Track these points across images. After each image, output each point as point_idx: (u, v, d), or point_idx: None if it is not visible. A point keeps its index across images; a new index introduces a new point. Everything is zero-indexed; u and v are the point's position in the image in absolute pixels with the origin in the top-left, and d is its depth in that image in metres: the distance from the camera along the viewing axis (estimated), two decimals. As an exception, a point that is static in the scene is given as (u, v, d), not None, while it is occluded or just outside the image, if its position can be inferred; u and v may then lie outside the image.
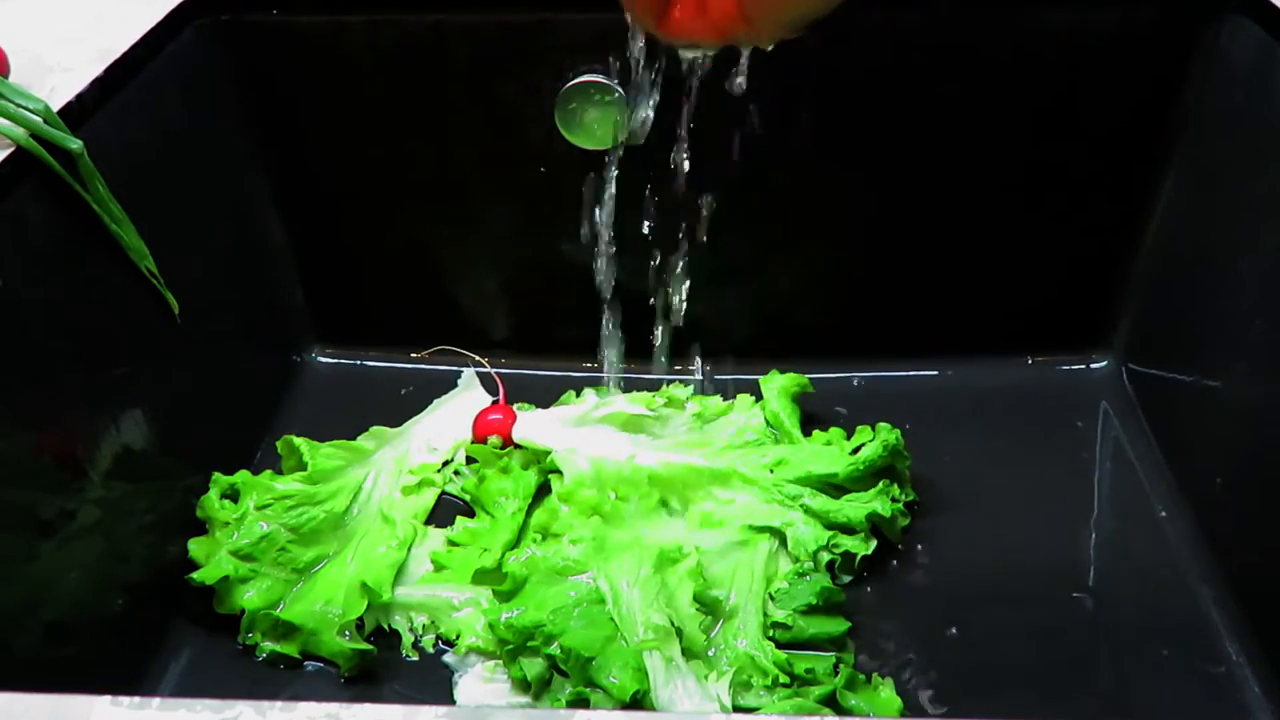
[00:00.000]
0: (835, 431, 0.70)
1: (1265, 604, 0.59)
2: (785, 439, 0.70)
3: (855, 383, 0.78)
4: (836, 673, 0.57)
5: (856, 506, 0.64)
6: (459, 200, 0.76)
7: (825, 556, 0.63)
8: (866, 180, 0.73)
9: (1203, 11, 0.65)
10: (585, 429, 0.71)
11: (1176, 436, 0.70)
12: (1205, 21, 0.65)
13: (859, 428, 0.70)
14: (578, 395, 0.76)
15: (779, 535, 0.64)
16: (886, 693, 0.57)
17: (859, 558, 0.63)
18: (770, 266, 0.77)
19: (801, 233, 0.75)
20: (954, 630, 0.61)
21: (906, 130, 0.71)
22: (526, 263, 0.79)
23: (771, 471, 0.67)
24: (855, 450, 0.68)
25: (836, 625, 0.59)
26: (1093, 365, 0.78)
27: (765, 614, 0.60)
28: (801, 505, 0.65)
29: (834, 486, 0.66)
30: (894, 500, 0.65)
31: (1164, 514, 0.67)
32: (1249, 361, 0.61)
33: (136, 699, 0.33)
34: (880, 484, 0.65)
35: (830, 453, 0.68)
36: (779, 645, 0.59)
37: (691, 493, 0.67)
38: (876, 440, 0.67)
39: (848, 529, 0.64)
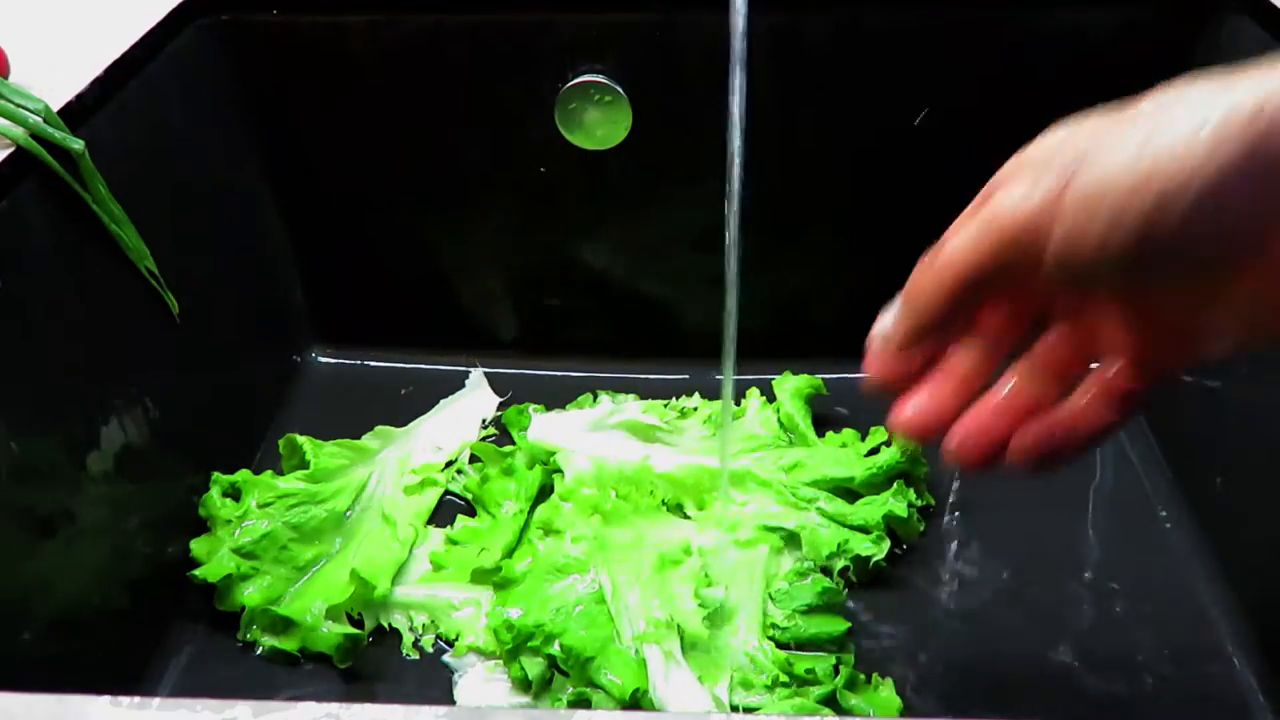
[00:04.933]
0: (849, 433, 0.70)
1: (1265, 604, 0.58)
2: (800, 441, 0.70)
3: (857, 383, 0.78)
4: (836, 673, 0.57)
5: (873, 509, 0.64)
6: (459, 200, 0.76)
7: (839, 563, 0.62)
8: (866, 181, 0.73)
9: (1203, 11, 0.65)
10: (600, 434, 0.71)
11: (1176, 436, 0.70)
12: (1205, 22, 0.65)
13: (873, 429, 0.70)
14: (595, 399, 0.76)
15: (785, 536, 0.64)
16: (886, 693, 0.57)
17: (872, 561, 0.63)
18: (773, 268, 0.77)
19: (805, 234, 0.75)
20: (954, 630, 0.61)
21: (908, 131, 0.71)
22: (527, 263, 0.79)
23: (787, 474, 0.67)
24: (871, 453, 0.68)
25: (836, 625, 0.59)
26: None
27: (765, 614, 0.60)
28: (817, 508, 0.65)
29: (849, 490, 0.66)
30: (910, 505, 0.65)
31: (1164, 514, 0.67)
32: (1249, 362, 0.61)
33: (136, 699, 0.33)
34: (896, 485, 0.65)
35: (846, 455, 0.68)
36: (779, 645, 0.59)
37: (706, 496, 0.67)
38: (895, 446, 0.67)
39: (863, 530, 0.64)
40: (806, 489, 0.66)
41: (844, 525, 0.64)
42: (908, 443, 0.65)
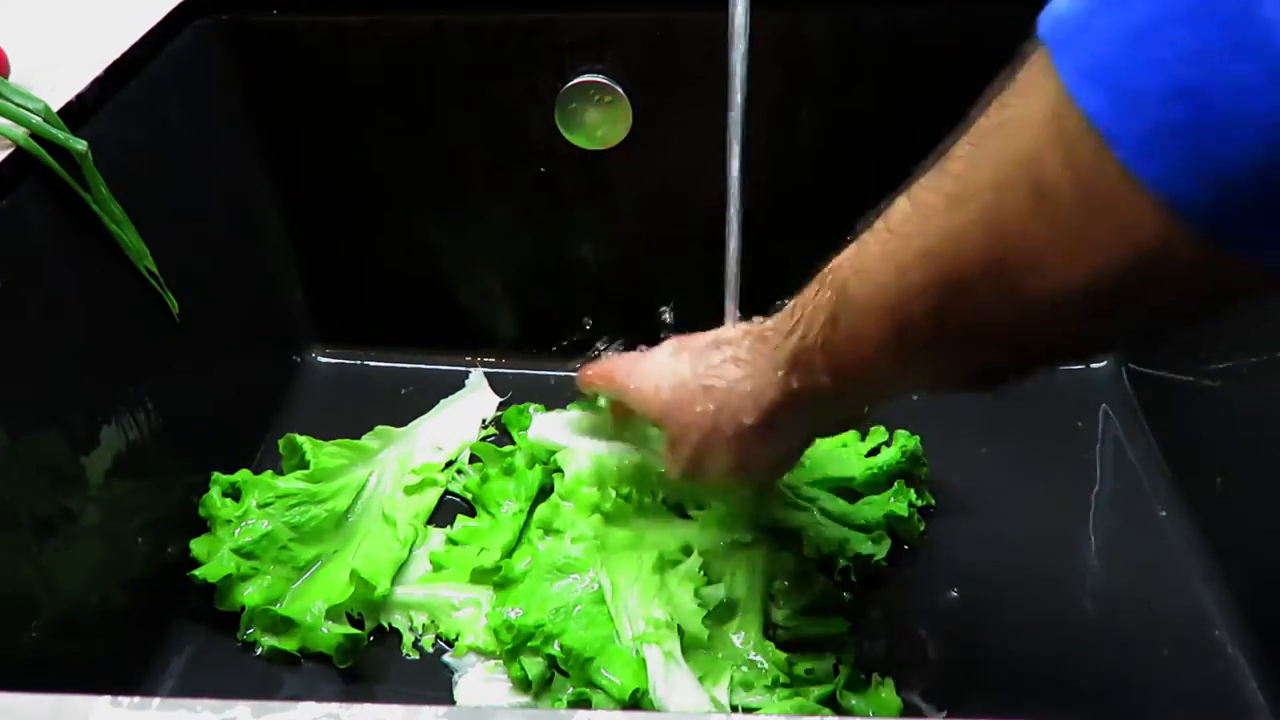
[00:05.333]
0: (848, 433, 0.70)
1: (1265, 604, 0.58)
2: None
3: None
4: (836, 673, 0.57)
5: (874, 508, 0.64)
6: (459, 200, 0.76)
7: (840, 562, 0.62)
8: (866, 181, 0.73)
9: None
10: (599, 438, 0.70)
11: (1176, 436, 0.70)
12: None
13: (873, 429, 0.70)
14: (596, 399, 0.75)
15: (786, 535, 0.64)
16: (886, 693, 0.57)
17: (873, 561, 0.62)
18: (773, 268, 0.77)
19: (805, 234, 0.75)
20: (954, 630, 0.61)
21: (907, 131, 0.71)
22: (526, 263, 0.79)
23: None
24: (871, 453, 0.68)
25: (836, 625, 0.59)
26: (1093, 365, 0.78)
27: (765, 614, 0.60)
28: (818, 508, 0.65)
29: (849, 490, 0.66)
30: (911, 505, 0.65)
31: (1164, 514, 0.67)
32: (1249, 362, 0.61)
33: (136, 699, 0.33)
34: (896, 485, 0.65)
35: (846, 455, 0.68)
36: (779, 645, 0.58)
37: (707, 496, 0.67)
38: (895, 447, 0.67)
39: (864, 530, 0.64)
40: (807, 489, 0.66)
41: (845, 525, 0.64)
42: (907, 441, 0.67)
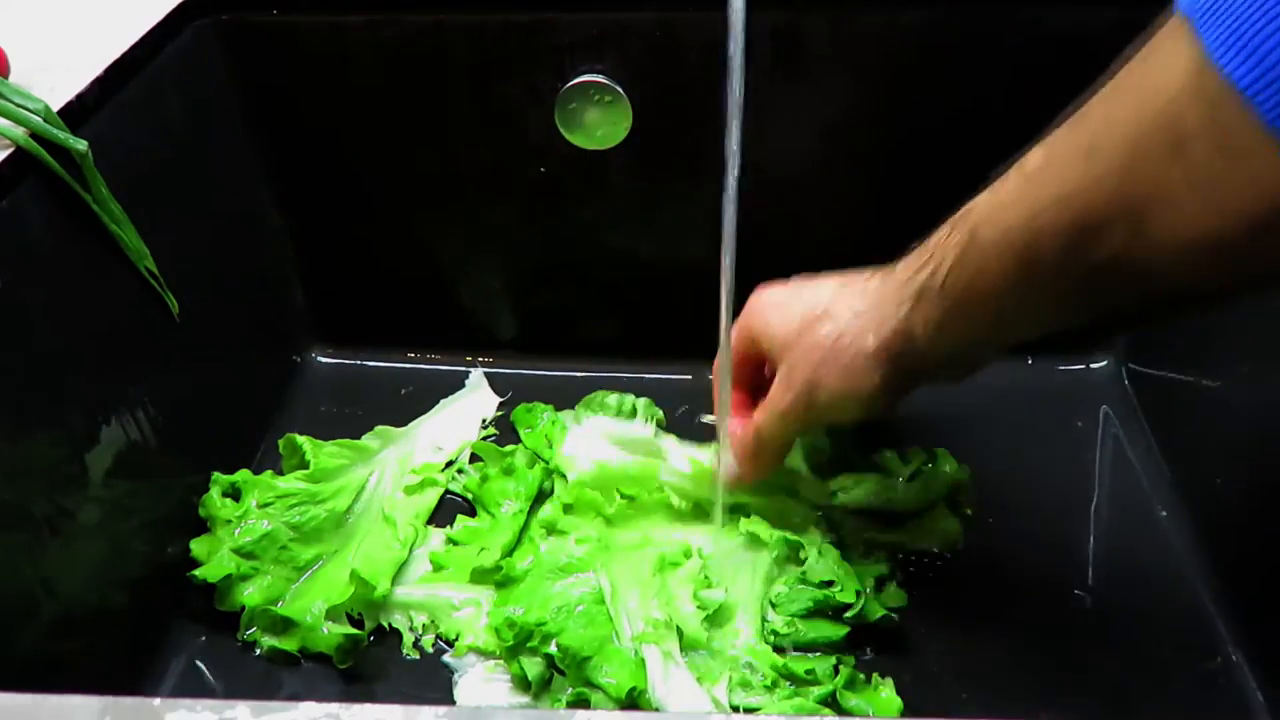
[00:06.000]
0: (889, 455, 0.68)
1: (1265, 604, 0.58)
2: (841, 458, 0.68)
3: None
4: (836, 673, 0.57)
5: (917, 534, 0.65)
6: (459, 200, 0.76)
7: (857, 603, 0.60)
8: (867, 181, 0.73)
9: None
10: (616, 448, 0.70)
11: (1176, 436, 0.70)
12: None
13: (911, 450, 0.68)
14: (612, 402, 0.74)
15: (793, 545, 0.63)
16: (886, 693, 0.57)
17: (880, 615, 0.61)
18: (773, 268, 0.77)
19: (805, 234, 0.75)
20: (954, 629, 0.61)
21: (905, 133, 0.71)
22: (526, 263, 0.79)
23: (833, 495, 0.65)
24: (912, 477, 0.66)
25: (836, 630, 0.59)
26: (1093, 365, 0.78)
27: (764, 618, 0.60)
28: (864, 537, 0.64)
29: (891, 514, 0.65)
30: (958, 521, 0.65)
31: (1164, 514, 0.67)
32: (1249, 362, 0.61)
33: (137, 699, 0.33)
34: (940, 507, 0.65)
35: (887, 478, 0.67)
36: (777, 650, 0.58)
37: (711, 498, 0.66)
38: (941, 468, 0.66)
39: (896, 554, 0.64)
40: (844, 512, 0.65)
41: (887, 548, 0.64)
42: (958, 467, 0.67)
